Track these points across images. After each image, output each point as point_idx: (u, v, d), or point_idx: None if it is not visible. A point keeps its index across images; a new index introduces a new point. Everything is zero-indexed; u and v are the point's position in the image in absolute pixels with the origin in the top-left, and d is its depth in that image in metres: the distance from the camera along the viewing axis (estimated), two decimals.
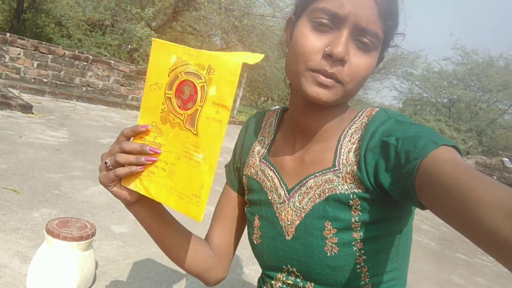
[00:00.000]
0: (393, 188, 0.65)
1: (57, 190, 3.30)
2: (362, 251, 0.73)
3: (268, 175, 0.84)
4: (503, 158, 14.81)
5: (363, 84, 0.72)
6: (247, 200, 0.90)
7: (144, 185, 0.72)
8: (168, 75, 0.68)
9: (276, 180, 0.82)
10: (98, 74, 8.83)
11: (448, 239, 5.02)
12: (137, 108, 8.98)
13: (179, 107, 0.67)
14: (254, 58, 0.65)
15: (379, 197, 0.70)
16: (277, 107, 1.00)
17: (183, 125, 0.67)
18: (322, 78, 0.67)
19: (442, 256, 4.32)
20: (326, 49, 0.66)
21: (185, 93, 0.66)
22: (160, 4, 13.68)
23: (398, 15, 0.71)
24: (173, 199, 0.69)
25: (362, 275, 0.74)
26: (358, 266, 0.73)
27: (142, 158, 0.69)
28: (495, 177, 13.61)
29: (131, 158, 0.69)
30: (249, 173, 0.88)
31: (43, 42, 8.54)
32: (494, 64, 19.43)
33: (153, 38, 0.72)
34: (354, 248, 0.73)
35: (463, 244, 5.04)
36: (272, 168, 0.84)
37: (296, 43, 0.70)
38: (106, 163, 0.70)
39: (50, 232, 1.95)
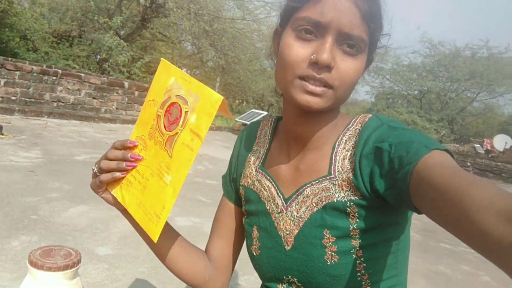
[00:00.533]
0: (388, 193, 0.66)
1: (35, 214, 3.18)
2: (362, 259, 0.73)
3: (265, 185, 0.84)
4: (475, 145, 15.28)
5: (353, 88, 0.73)
6: (245, 211, 0.89)
7: (122, 193, 0.77)
8: (164, 95, 0.72)
9: (273, 190, 0.82)
10: (68, 88, 8.59)
11: (431, 229, 5.10)
12: (111, 120, 8.82)
13: (164, 127, 0.71)
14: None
15: (375, 204, 0.70)
16: (264, 113, 1.01)
17: (163, 144, 0.71)
18: (311, 87, 0.67)
19: (427, 247, 4.39)
20: (312, 57, 0.67)
21: (173, 115, 0.69)
22: (128, 12, 13.49)
23: (382, 17, 0.71)
24: (139, 213, 0.73)
25: (363, 282, 0.74)
26: (359, 274, 0.73)
27: (123, 164, 0.74)
28: (468, 164, 14.00)
29: (112, 164, 0.75)
30: (245, 184, 0.88)
31: (9, 59, 8.29)
32: (460, 55, 19.99)
33: (162, 58, 0.76)
34: (354, 256, 0.73)
35: (446, 233, 5.13)
36: (268, 177, 0.84)
37: (282, 53, 0.71)
38: (93, 169, 0.78)
39: (33, 264, 1.86)
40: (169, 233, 0.86)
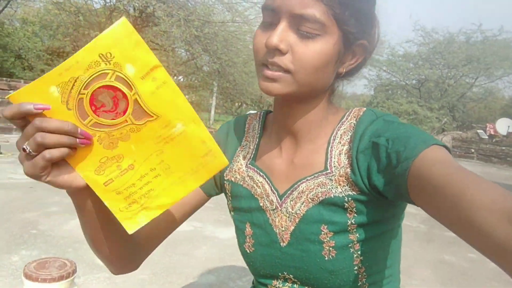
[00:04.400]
0: (387, 189, 0.65)
1: (34, 229, 3.19)
2: (359, 252, 0.72)
3: (257, 181, 0.81)
4: (478, 130, 15.18)
5: (322, 74, 0.69)
6: (232, 206, 0.87)
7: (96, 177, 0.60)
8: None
9: (267, 186, 0.80)
10: None
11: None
12: None
13: (113, 120, 0.57)
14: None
15: (374, 199, 0.69)
16: (253, 111, 0.97)
17: (134, 126, 0.57)
18: (267, 72, 0.67)
19: (432, 237, 4.36)
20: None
21: (106, 105, 0.56)
22: None
23: None
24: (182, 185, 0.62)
25: (360, 275, 0.74)
26: (356, 267, 0.73)
27: (76, 140, 0.56)
28: (472, 150, 13.94)
29: (63, 138, 0.55)
30: (233, 179, 0.85)
31: (3, 78, 8.30)
32: (455, 40, 19.88)
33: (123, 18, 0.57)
34: (351, 250, 0.72)
35: None
36: (261, 173, 0.81)
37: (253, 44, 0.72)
38: (24, 149, 0.55)
39: (28, 276, 1.86)
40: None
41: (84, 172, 0.60)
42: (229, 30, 13.43)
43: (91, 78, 0.54)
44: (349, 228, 0.72)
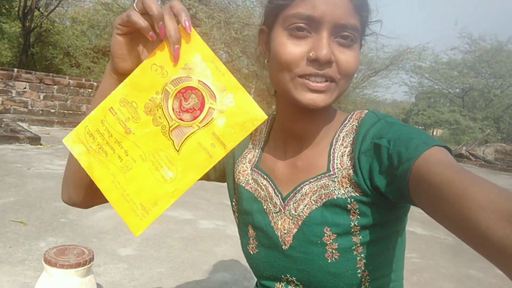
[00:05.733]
0: (389, 190, 0.65)
1: (64, 218, 3.34)
2: (362, 255, 0.72)
3: (261, 184, 0.82)
4: None
5: (353, 77, 0.73)
6: (236, 208, 0.88)
7: (90, 159, 0.62)
8: (179, 70, 0.59)
9: (270, 189, 0.80)
10: None
11: None
12: None
13: (174, 110, 0.59)
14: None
15: (377, 200, 0.69)
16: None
17: (168, 131, 0.59)
18: (313, 84, 0.66)
19: (459, 251, 4.20)
20: (311, 54, 0.65)
21: (189, 102, 0.59)
22: None
23: (369, 3, 0.70)
24: (115, 194, 0.61)
25: (363, 279, 0.73)
26: (359, 270, 0.73)
27: (172, 31, 0.58)
28: None
29: (167, 18, 0.59)
30: (237, 181, 0.86)
31: (50, 74, 8.74)
32: (503, 49, 19.06)
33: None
34: (355, 253, 0.72)
35: None
36: (265, 176, 0.82)
37: (276, 53, 0.68)
38: (134, 5, 0.60)
39: (47, 262, 1.97)
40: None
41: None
42: None
43: (209, 86, 0.59)
44: (352, 230, 0.71)
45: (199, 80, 0.58)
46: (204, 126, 0.58)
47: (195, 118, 0.58)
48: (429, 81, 21.46)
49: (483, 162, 12.91)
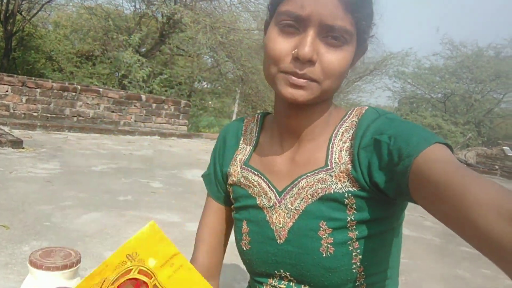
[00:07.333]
0: (388, 186, 0.65)
1: (47, 221, 3.26)
2: (358, 250, 0.72)
3: (253, 180, 0.82)
4: (504, 147, 14.75)
5: (342, 79, 0.72)
6: (234, 208, 0.88)
7: None
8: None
9: (264, 185, 0.80)
10: (87, 103, 8.86)
11: (451, 233, 4.89)
12: (130, 133, 8.96)
13: None
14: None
15: (375, 196, 0.69)
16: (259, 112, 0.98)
17: None
18: (294, 79, 0.67)
19: (446, 251, 4.25)
20: (293, 52, 0.66)
21: None
22: (147, 29, 13.83)
23: (369, 4, 0.69)
24: None
25: (358, 275, 0.73)
26: (354, 266, 0.72)
27: None
28: (497, 167, 13.54)
29: None
30: (231, 182, 0.87)
31: (32, 78, 8.61)
32: (483, 55, 19.52)
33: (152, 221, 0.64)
34: (350, 248, 0.72)
35: None
36: (256, 173, 0.82)
37: (266, 47, 0.70)
38: None
39: (33, 264, 1.90)
40: None
41: None
42: (254, 38, 13.54)
43: (117, 276, 0.59)
44: (349, 225, 0.71)
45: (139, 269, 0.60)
46: (154, 277, 0.59)
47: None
48: (412, 86, 21.81)
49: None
